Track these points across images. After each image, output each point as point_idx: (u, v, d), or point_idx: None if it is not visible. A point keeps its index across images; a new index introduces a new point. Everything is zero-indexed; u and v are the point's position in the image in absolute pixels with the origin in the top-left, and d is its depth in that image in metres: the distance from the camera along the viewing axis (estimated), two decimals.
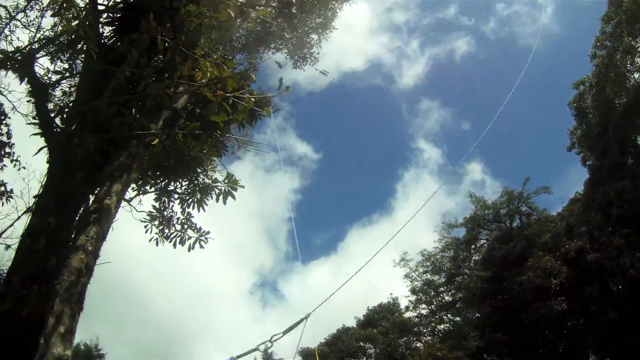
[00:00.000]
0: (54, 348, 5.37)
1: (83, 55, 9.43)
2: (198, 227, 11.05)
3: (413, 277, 52.51)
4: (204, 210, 10.61)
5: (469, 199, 49.98)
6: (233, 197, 9.81)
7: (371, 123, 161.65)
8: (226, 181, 9.82)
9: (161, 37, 6.93)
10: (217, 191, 10.15)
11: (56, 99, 11.01)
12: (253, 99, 7.93)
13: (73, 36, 9.12)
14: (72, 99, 10.37)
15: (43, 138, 8.30)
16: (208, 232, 11.00)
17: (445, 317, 50.40)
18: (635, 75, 31.33)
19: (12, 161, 11.35)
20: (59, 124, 8.82)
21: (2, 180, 11.50)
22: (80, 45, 9.66)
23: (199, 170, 10.82)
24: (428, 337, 47.00)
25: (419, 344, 46.08)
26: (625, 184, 29.37)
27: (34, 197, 8.73)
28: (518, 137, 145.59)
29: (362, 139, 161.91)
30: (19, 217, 11.35)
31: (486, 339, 37.82)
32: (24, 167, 11.29)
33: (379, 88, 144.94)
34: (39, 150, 8.54)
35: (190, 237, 11.02)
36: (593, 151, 34.28)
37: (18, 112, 10.57)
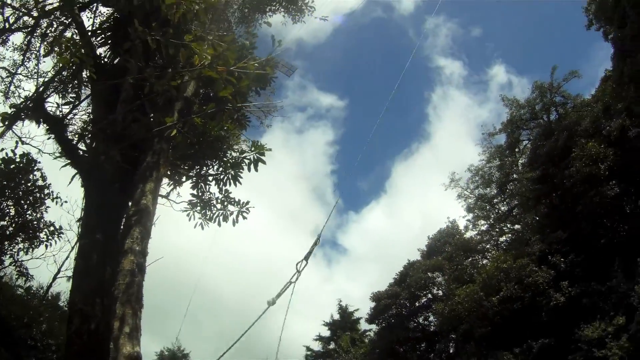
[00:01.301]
0: (123, 348, 5.79)
1: (87, 81, 10.09)
2: (237, 200, 11.48)
3: (466, 196, 51.98)
4: (240, 183, 10.99)
5: (501, 102, 48.32)
6: (263, 162, 10.17)
7: (384, 56, 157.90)
8: (253, 149, 10.29)
9: (151, 38, 7.22)
10: (247, 161, 10.54)
11: (77, 127, 11.57)
12: (257, 65, 8.52)
13: (73, 67, 9.65)
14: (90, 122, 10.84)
15: (71, 166, 8.94)
16: (247, 202, 11.44)
17: (505, 228, 49.80)
18: None
19: (53, 200, 11.96)
20: (83, 147, 9.45)
21: (50, 221, 12.30)
22: (81, 73, 10.24)
23: (225, 147, 11.12)
24: (493, 252, 46.51)
25: (485, 261, 45.71)
26: None
27: (77, 220, 9.38)
28: (534, 28, 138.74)
29: (380, 74, 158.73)
30: (72, 248, 11.98)
31: (547, 241, 37.03)
32: (66, 201, 11.85)
33: (382, 20, 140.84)
34: (72, 179, 9.07)
35: (232, 212, 11.47)
36: (612, 23, 31.87)
37: (45, 153, 11.03)
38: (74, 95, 10.91)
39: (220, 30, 11.98)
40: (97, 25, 11.39)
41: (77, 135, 10.34)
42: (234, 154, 11.01)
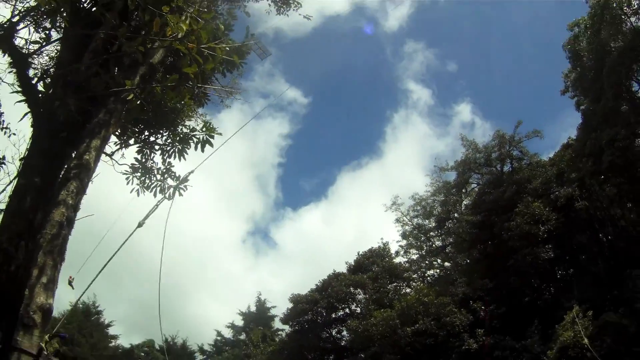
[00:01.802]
0: (37, 297, 5.85)
1: (61, 23, 9.99)
2: (177, 175, 11.40)
3: (404, 222, 52.56)
4: (185, 159, 11.03)
5: (460, 141, 49.13)
6: (211, 144, 10.38)
7: (358, 67, 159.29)
8: (203, 130, 10.44)
9: None
10: (195, 140, 10.59)
11: (40, 65, 11.24)
12: (228, 49, 8.87)
13: (52, 4, 9.10)
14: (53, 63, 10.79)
15: (26, 104, 8.74)
16: (187, 180, 11.37)
17: (435, 263, 50.61)
18: (631, 18, 29.61)
19: (2, 129, 11.50)
20: (42, 89, 9.15)
21: None
22: (56, 15, 9.88)
23: (178, 121, 11.10)
24: (418, 283, 47.14)
25: (408, 290, 46.23)
26: (618, 131, 28.29)
27: (20, 159, 9.30)
28: (511, 79, 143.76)
29: (350, 82, 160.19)
30: (10, 182, 11.60)
31: (473, 286, 37.83)
32: (14, 134, 11.33)
33: (363, 31, 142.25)
34: (23, 116, 9.00)
35: (170, 186, 11.42)
36: (587, 95, 32.97)
37: (4, 82, 10.42)
38: (43, 36, 10.39)
39: (203, 2, 12.01)
40: None
41: (37, 76, 9.88)
42: (185, 130, 11.01)
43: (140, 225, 9.47)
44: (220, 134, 10.45)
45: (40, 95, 8.89)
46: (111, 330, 62.15)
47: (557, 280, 35.02)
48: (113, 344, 60.79)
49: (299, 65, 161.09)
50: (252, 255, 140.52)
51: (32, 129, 8.40)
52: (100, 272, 8.64)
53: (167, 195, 11.43)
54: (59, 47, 10.27)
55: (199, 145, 10.49)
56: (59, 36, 10.50)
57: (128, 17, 9.30)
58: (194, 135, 10.67)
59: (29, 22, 10.42)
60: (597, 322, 25.40)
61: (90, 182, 7.69)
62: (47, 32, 10.55)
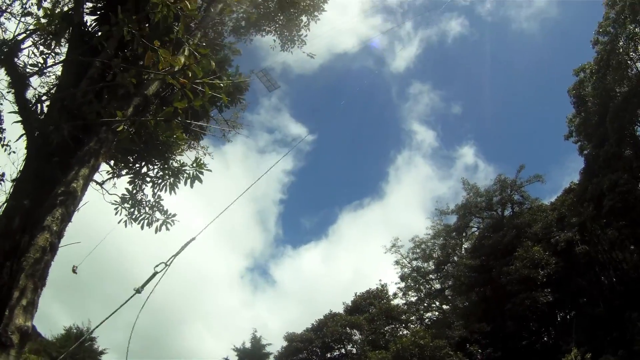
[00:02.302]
0: (16, 319, 5.81)
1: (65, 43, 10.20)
2: (165, 209, 11.38)
3: (403, 264, 52.02)
4: (175, 193, 11.02)
5: (462, 185, 49.25)
6: (200, 180, 10.56)
7: (364, 105, 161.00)
8: (194, 165, 10.50)
9: (127, 29, 7.56)
10: (185, 175, 10.68)
11: (44, 84, 11.56)
12: (222, 85, 9.17)
13: (58, 25, 9.78)
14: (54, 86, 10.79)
15: (22, 125, 8.72)
16: (174, 215, 11.33)
17: (433, 305, 49.93)
18: (637, 64, 30.11)
19: (2, 146, 11.52)
20: (39, 111, 9.28)
21: None
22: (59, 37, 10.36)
23: (168, 155, 11.02)
24: (415, 325, 46.36)
25: (406, 331, 45.41)
26: (620, 175, 28.36)
27: (12, 181, 9.26)
28: (515, 123, 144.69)
29: (355, 121, 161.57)
30: (6, 200, 11.53)
31: (470, 329, 37.21)
32: (14, 152, 11.24)
33: (371, 70, 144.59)
34: (20, 136, 8.94)
35: (157, 220, 11.35)
36: (590, 140, 33.21)
37: (7, 100, 10.63)
38: (41, 61, 10.54)
39: (207, 35, 12.60)
40: None
41: (34, 98, 9.94)
42: (175, 164, 11.06)
43: (137, 291, 9.38)
44: (210, 170, 10.57)
45: (35, 117, 9.04)
46: (104, 358, 61.12)
47: (556, 323, 34.38)
48: None
49: (304, 101, 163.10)
50: (250, 292, 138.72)
51: (25, 150, 8.51)
52: (108, 317, 8.53)
53: (156, 229, 11.44)
54: (60, 72, 10.28)
55: (189, 181, 10.63)
56: (60, 59, 10.64)
57: (125, 47, 9.44)
58: (184, 170, 10.77)
59: (32, 43, 10.60)
60: None
61: (76, 211, 7.67)
62: (46, 55, 10.71)
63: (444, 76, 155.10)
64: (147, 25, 8.16)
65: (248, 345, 63.81)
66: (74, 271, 10.49)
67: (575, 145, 35.57)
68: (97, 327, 8.22)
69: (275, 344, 59.96)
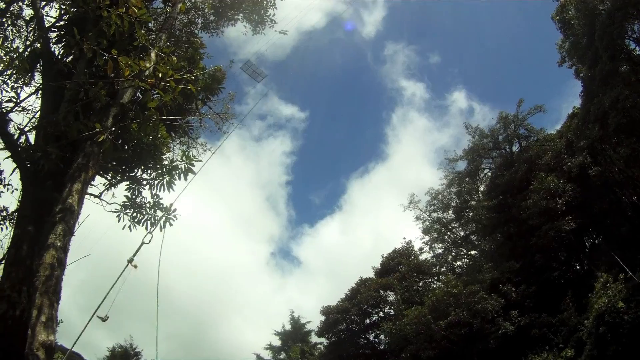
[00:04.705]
0: (39, 335, 6.19)
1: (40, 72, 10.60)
2: (166, 206, 11.72)
3: (424, 218, 52.17)
4: (173, 190, 11.41)
5: (461, 128, 49.13)
6: (192, 172, 10.97)
7: (345, 75, 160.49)
8: (183, 159, 10.95)
9: (87, 46, 7.81)
10: (178, 170, 11.08)
11: (19, 122, 11.60)
12: (193, 78, 9.73)
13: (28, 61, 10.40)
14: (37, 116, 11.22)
15: (12, 159, 9.22)
16: (175, 210, 11.65)
17: (461, 253, 50.29)
18: None
19: (4, 186, 12.17)
20: (25, 141, 9.86)
21: (3, 206, 12.40)
22: (30, 71, 10.87)
23: (157, 155, 11.29)
24: (447, 276, 46.69)
25: (438, 284, 45.87)
26: (620, 91, 28.03)
27: (13, 212, 10.21)
28: (504, 59, 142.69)
29: (341, 91, 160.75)
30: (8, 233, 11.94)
31: (500, 270, 37.49)
32: (17, 189, 11.97)
33: (344, 41, 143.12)
34: (13, 171, 9.55)
35: (160, 218, 11.70)
36: (584, 62, 32.72)
37: None
38: (14, 95, 11.04)
39: (173, 36, 13.42)
40: (53, 22, 11.61)
41: (18, 130, 10.53)
42: (165, 163, 11.40)
43: (130, 261, 9.98)
44: (200, 160, 11.01)
45: (20, 149, 9.45)
46: None
47: (586, 250, 34.50)
48: None
49: (288, 83, 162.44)
50: (279, 276, 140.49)
51: (20, 181, 8.95)
52: (92, 316, 9.10)
53: (151, 230, 11.70)
54: (38, 101, 10.75)
55: (182, 175, 11.01)
56: (32, 91, 11.29)
57: (93, 64, 9.91)
58: (175, 166, 11.09)
59: (1, 82, 10.97)
60: (629, 284, 25.03)
61: (77, 225, 8.10)
62: (19, 89, 11.11)
63: (416, 30, 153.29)
64: (105, 40, 8.44)
65: (288, 327, 65.06)
66: (133, 265, 10.95)
67: (570, 70, 35.18)
68: (97, 308, 9.35)
69: (314, 320, 61.08)
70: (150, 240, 10.98)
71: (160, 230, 11.72)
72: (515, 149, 45.28)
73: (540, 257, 34.70)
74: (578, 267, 33.70)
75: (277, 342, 65.13)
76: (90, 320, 9.35)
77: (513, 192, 39.71)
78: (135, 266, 10.93)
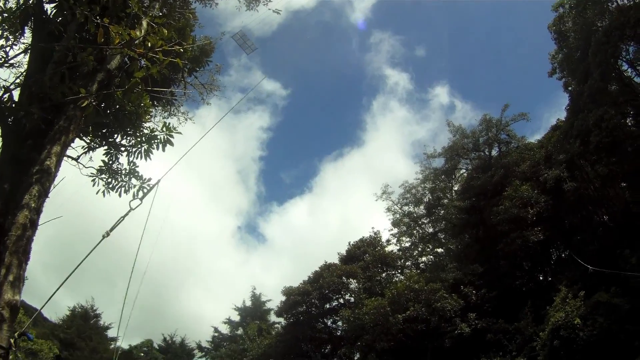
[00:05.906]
0: (5, 294, 6.23)
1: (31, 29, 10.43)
2: (141, 175, 11.61)
3: (395, 210, 52.24)
4: (150, 159, 11.31)
5: (447, 127, 48.92)
6: (171, 143, 10.83)
7: (331, 58, 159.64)
8: (164, 130, 10.81)
9: (80, 11, 7.91)
10: (157, 140, 10.98)
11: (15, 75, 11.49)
12: (182, 50, 9.90)
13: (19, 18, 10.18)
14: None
15: None
16: (149, 179, 11.52)
17: (427, 249, 50.49)
18: None
19: None
20: (9, 98, 9.48)
21: None
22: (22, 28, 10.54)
23: (137, 123, 11.28)
24: (410, 270, 47.00)
25: (401, 277, 46.10)
26: (606, 111, 28.11)
27: None
28: (495, 62, 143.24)
29: (325, 74, 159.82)
30: None
31: (464, 271, 37.76)
32: None
33: (328, 24, 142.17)
34: None
35: (134, 186, 11.64)
36: (574, 76, 32.84)
37: None
38: (3, 54, 10.74)
39: (166, 5, 13.24)
40: None
41: (3, 88, 10.15)
42: (145, 132, 11.38)
43: (106, 235, 9.60)
44: (180, 133, 10.87)
45: (5, 105, 9.30)
46: (110, 333, 62.20)
47: (551, 262, 34.88)
48: (113, 346, 60.52)
49: (274, 59, 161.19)
50: (244, 251, 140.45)
51: (1, 138, 8.90)
52: (64, 282, 8.70)
53: (136, 200, 11.40)
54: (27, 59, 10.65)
55: (160, 145, 10.93)
56: (20, 50, 10.95)
57: (84, 29, 9.75)
58: (154, 136, 11.05)
59: None
60: (589, 302, 25.31)
61: (53, 187, 8.19)
62: (8, 47, 10.87)
63: (404, 22, 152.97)
64: (97, 6, 8.48)
65: (248, 303, 65.20)
66: (107, 234, 10.52)
67: (560, 82, 35.22)
68: (67, 277, 8.50)
69: (275, 299, 61.20)
70: (137, 207, 10.42)
71: (133, 198, 11.13)
72: (494, 153, 45.38)
73: (504, 264, 34.99)
74: (541, 278, 34.09)
75: (236, 317, 65.35)
76: (60, 286, 8.95)
77: (487, 195, 39.87)
78: (108, 234, 10.75)
